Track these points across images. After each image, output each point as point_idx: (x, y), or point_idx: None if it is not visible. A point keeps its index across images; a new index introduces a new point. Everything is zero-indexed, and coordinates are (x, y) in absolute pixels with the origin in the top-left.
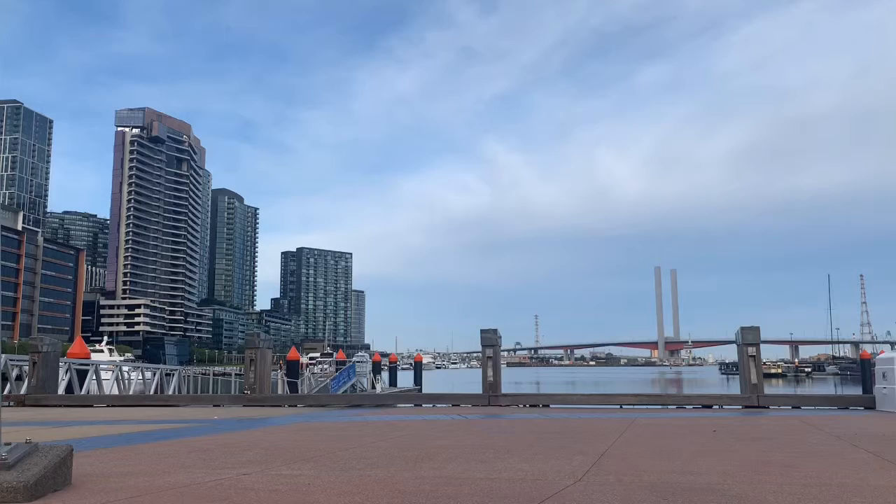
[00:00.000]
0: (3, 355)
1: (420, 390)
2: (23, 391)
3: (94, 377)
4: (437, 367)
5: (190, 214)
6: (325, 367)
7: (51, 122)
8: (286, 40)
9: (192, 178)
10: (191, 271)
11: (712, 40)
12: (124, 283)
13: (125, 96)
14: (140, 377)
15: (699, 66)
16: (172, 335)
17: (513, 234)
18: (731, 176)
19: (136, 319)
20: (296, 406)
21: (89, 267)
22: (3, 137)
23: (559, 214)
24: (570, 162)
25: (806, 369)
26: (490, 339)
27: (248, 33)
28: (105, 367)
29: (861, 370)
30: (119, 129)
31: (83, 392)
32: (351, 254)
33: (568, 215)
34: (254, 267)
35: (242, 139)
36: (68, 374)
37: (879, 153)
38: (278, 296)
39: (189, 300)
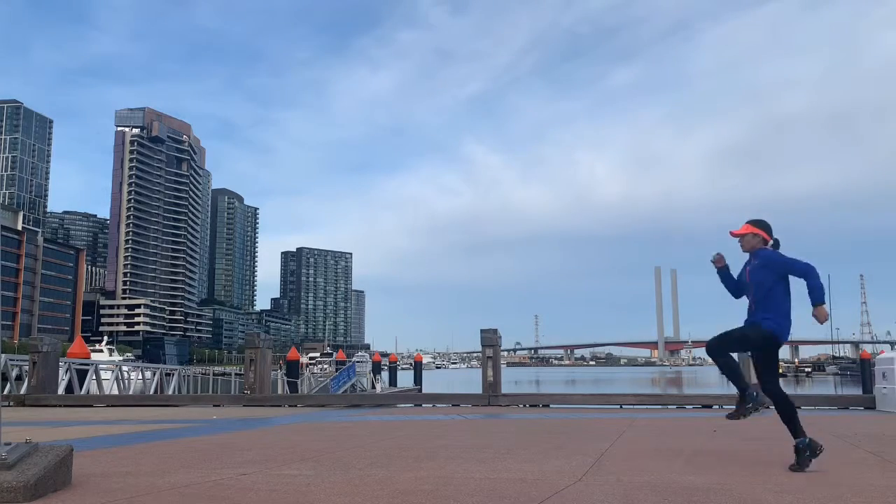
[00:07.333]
0: (3, 355)
1: (420, 390)
2: (23, 391)
3: (94, 377)
4: (437, 367)
5: (190, 214)
6: (325, 367)
7: (51, 122)
8: (259, 41)
9: (192, 178)
10: (191, 271)
11: (683, 41)
12: (124, 283)
13: (120, 97)
14: (140, 377)
15: (672, 67)
16: (172, 335)
17: (510, 235)
18: (714, 175)
19: (136, 319)
20: (296, 406)
21: (89, 267)
22: (3, 137)
23: (551, 215)
24: (551, 163)
25: (806, 369)
26: (490, 338)
27: (222, 34)
28: (105, 366)
29: (861, 370)
30: (119, 129)
31: (83, 392)
32: (351, 254)
33: (560, 216)
34: (254, 267)
35: (222, 139)
36: (68, 374)
37: (869, 152)
38: (278, 296)
39: (189, 300)
